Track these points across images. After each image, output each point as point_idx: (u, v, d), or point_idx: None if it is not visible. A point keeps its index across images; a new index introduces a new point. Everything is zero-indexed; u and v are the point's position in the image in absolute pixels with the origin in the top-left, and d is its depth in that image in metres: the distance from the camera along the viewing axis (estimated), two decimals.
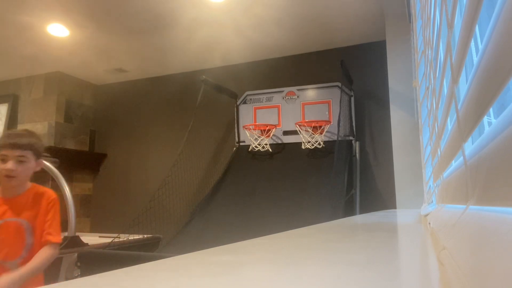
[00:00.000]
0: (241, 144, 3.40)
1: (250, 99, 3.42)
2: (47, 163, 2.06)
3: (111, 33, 3.02)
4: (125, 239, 2.68)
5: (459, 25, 0.38)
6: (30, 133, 1.52)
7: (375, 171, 2.97)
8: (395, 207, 2.29)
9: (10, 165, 1.41)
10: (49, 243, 1.49)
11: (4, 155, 1.42)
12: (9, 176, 1.42)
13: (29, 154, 1.46)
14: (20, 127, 3.94)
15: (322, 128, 3.04)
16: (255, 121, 3.34)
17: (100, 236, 3.11)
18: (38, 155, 1.52)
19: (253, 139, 3.26)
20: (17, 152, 1.43)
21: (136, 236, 2.77)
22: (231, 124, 3.50)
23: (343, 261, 0.40)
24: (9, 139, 1.43)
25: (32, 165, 1.49)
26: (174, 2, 2.54)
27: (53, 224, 1.52)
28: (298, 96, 3.26)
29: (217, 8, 2.62)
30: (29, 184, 1.55)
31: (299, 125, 3.12)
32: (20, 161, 1.44)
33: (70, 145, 3.90)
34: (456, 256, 0.31)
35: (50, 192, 1.58)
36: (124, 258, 1.98)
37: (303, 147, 3.09)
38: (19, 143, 1.44)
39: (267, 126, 3.24)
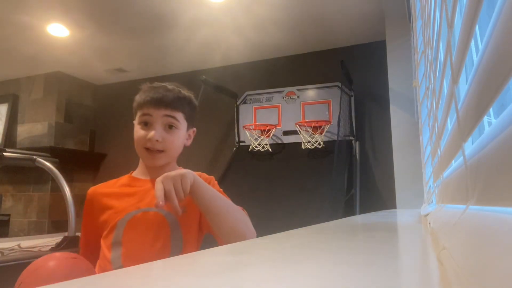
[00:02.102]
0: (241, 144, 3.40)
1: (250, 99, 3.42)
2: (47, 163, 2.05)
3: (111, 33, 3.02)
4: None
5: (459, 25, 0.38)
6: (180, 88, 1.06)
7: (375, 171, 2.97)
8: (395, 207, 2.29)
9: (156, 131, 0.96)
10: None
11: (148, 115, 0.98)
12: (154, 149, 0.98)
13: (181, 118, 1.02)
14: (20, 127, 3.95)
15: (322, 128, 3.04)
16: (255, 121, 3.34)
17: None
18: (191, 122, 1.07)
19: (253, 139, 3.26)
20: (166, 111, 0.99)
21: None
22: (231, 124, 3.50)
23: (343, 261, 0.39)
24: (153, 93, 0.99)
25: (183, 134, 1.05)
26: (174, 2, 2.54)
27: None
28: (298, 96, 3.26)
29: (217, 8, 2.62)
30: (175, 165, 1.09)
31: (299, 125, 3.12)
32: (170, 125, 1.00)
33: (70, 145, 3.90)
34: (456, 256, 0.31)
35: (204, 174, 1.10)
36: None
37: (303, 147, 3.09)
38: (167, 99, 0.99)
39: (267, 126, 3.24)
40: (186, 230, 1.01)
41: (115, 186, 1.06)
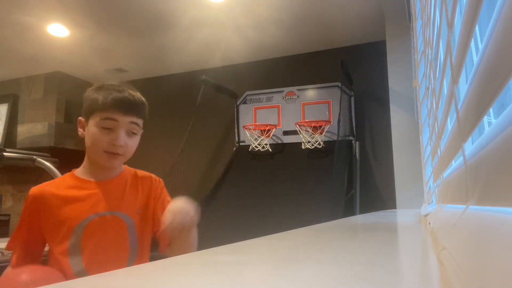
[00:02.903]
0: (241, 144, 3.40)
1: (250, 99, 3.42)
2: (47, 163, 2.05)
3: (111, 33, 3.02)
4: None
5: (459, 25, 0.38)
6: (136, 91, 1.04)
7: (375, 171, 2.97)
8: (395, 207, 2.29)
9: (121, 137, 0.95)
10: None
11: (113, 120, 0.95)
12: (115, 153, 0.97)
13: (141, 124, 1.02)
14: (20, 127, 3.94)
15: (322, 128, 3.04)
16: (255, 121, 3.34)
17: None
18: (143, 126, 1.06)
19: (253, 139, 3.26)
20: (131, 119, 0.97)
21: None
22: (231, 124, 3.50)
23: (343, 261, 0.39)
24: (121, 98, 0.95)
25: (138, 139, 1.04)
26: (174, 2, 2.54)
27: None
28: (298, 96, 3.26)
29: (217, 8, 2.62)
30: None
31: (299, 125, 3.12)
32: (131, 132, 0.99)
33: (70, 145, 3.90)
34: (456, 256, 0.30)
35: (153, 176, 1.12)
36: None
37: (303, 147, 3.09)
38: (135, 105, 0.98)
39: (267, 126, 3.24)
40: (141, 233, 1.03)
41: (62, 187, 1.00)
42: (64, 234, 0.95)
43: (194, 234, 0.98)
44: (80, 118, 1.01)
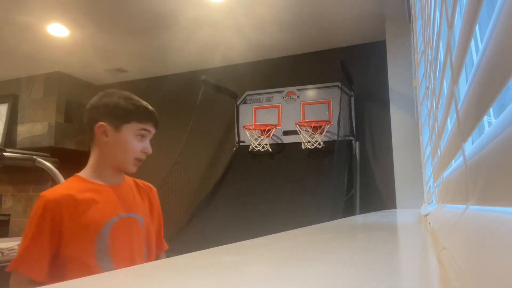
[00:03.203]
0: (241, 144, 3.40)
1: (250, 99, 3.42)
2: (47, 163, 2.05)
3: (111, 33, 3.02)
4: None
5: (459, 25, 0.38)
6: None
7: (375, 171, 2.97)
8: (395, 207, 2.29)
9: (149, 147, 1.09)
10: (164, 250, 1.19)
11: (147, 131, 1.08)
12: (141, 159, 1.08)
13: None
14: (20, 127, 3.94)
15: (322, 128, 3.04)
16: (255, 121, 3.34)
17: None
18: None
19: (253, 139, 3.26)
20: (155, 130, 1.12)
21: None
22: (231, 124, 3.50)
23: (343, 261, 0.39)
24: (151, 113, 1.09)
25: None
26: (174, 2, 2.54)
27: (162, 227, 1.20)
28: (298, 96, 3.26)
29: (217, 8, 2.62)
30: None
31: (299, 125, 3.12)
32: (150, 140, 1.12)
33: (70, 145, 3.90)
34: (456, 256, 0.30)
35: (151, 185, 1.22)
36: None
37: (303, 147, 3.09)
38: (158, 118, 1.13)
39: (267, 126, 3.24)
40: (150, 233, 1.11)
41: (79, 190, 1.00)
42: (90, 237, 0.95)
43: None
44: (102, 123, 1.03)
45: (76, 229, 0.95)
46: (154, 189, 1.21)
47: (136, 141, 1.05)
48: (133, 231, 1.04)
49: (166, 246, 1.20)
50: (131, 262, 1.01)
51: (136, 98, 1.08)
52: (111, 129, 1.03)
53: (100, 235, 0.96)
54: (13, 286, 0.91)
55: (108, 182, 1.06)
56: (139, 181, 1.18)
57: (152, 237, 1.11)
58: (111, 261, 0.97)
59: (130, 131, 1.04)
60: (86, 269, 0.93)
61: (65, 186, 1.04)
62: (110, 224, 0.99)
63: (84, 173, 1.06)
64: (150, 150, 1.08)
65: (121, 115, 1.03)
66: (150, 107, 1.10)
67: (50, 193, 0.98)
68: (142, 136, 1.06)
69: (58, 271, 0.94)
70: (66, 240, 0.94)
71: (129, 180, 1.15)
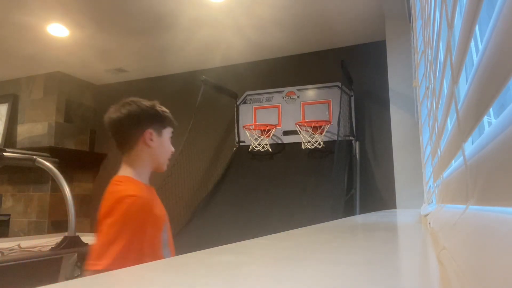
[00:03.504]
0: (241, 144, 3.40)
1: (250, 99, 3.42)
2: (47, 163, 2.05)
3: (111, 33, 3.02)
4: None
5: (459, 25, 0.38)
6: None
7: (375, 171, 2.97)
8: (395, 207, 2.29)
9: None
10: None
11: (172, 133, 1.24)
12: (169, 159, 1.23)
13: None
14: (20, 127, 3.94)
15: (322, 128, 3.04)
16: (255, 121, 3.34)
17: None
18: None
19: (253, 139, 3.26)
20: None
21: None
22: (231, 124, 3.50)
23: (343, 261, 0.39)
24: (172, 118, 1.24)
25: None
26: (174, 2, 2.54)
27: None
28: (298, 96, 3.26)
29: (217, 8, 2.62)
30: None
31: (299, 125, 3.12)
32: None
33: (70, 145, 3.90)
34: (456, 256, 0.31)
35: None
36: None
37: (303, 147, 3.09)
38: None
39: (267, 126, 3.24)
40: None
41: (143, 191, 1.11)
42: (157, 234, 1.08)
43: None
44: (150, 130, 1.16)
45: (153, 224, 1.07)
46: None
47: (170, 143, 1.21)
48: (170, 227, 1.20)
49: None
50: (174, 253, 1.15)
51: (158, 105, 1.21)
52: (156, 134, 1.17)
53: (164, 228, 1.10)
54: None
55: (148, 182, 1.18)
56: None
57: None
58: (169, 252, 1.11)
59: (167, 134, 1.20)
60: (153, 258, 1.02)
61: (133, 187, 1.10)
62: (167, 219, 1.15)
63: (130, 173, 1.14)
64: (174, 151, 1.23)
65: (161, 121, 1.19)
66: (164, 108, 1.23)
67: (137, 196, 1.05)
68: (170, 138, 1.21)
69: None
70: (147, 235, 1.03)
71: None
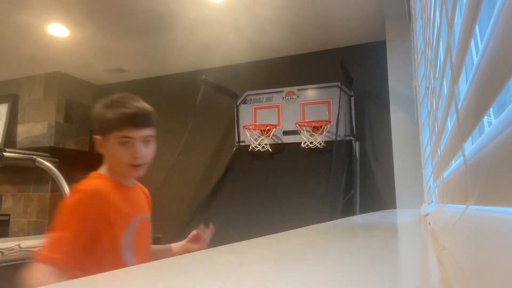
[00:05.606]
0: (241, 144, 3.40)
1: (250, 99, 3.42)
2: (47, 163, 2.05)
3: (111, 33, 3.02)
4: None
5: (459, 25, 0.38)
6: (141, 100, 1.09)
7: (375, 171, 2.97)
8: (395, 207, 2.29)
9: (139, 151, 1.02)
10: None
11: (128, 137, 1.01)
12: (137, 165, 1.04)
13: (154, 132, 1.09)
14: (20, 127, 3.94)
15: (322, 128, 3.04)
16: (255, 121, 3.33)
17: None
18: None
19: (253, 139, 3.26)
20: (144, 132, 1.04)
21: None
22: (231, 124, 3.50)
23: (343, 261, 0.40)
24: (131, 114, 1.01)
25: (154, 144, 1.10)
26: (174, 2, 2.54)
27: None
28: (298, 96, 3.26)
29: (217, 8, 2.62)
30: None
31: (299, 125, 3.12)
32: (146, 141, 1.06)
33: (70, 145, 3.90)
34: (456, 256, 0.30)
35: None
36: None
37: (303, 146, 3.09)
38: (145, 119, 1.05)
39: (267, 126, 3.24)
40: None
41: (110, 187, 1.03)
42: (117, 234, 0.99)
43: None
44: (96, 137, 1.05)
45: (107, 224, 0.98)
46: (149, 196, 1.23)
47: (121, 150, 1.01)
48: (147, 232, 1.11)
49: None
50: (146, 259, 1.07)
51: (116, 103, 1.03)
52: (102, 141, 1.04)
53: (127, 231, 1.01)
54: (41, 279, 0.87)
55: (125, 183, 1.09)
56: (139, 184, 1.20)
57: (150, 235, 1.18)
58: (134, 256, 1.02)
59: (112, 141, 1.01)
60: (111, 258, 0.97)
61: (97, 182, 1.04)
62: (137, 221, 1.05)
63: (105, 171, 1.08)
64: (139, 155, 1.02)
65: (101, 127, 1.03)
66: (129, 110, 1.02)
67: (93, 187, 1.00)
68: (127, 143, 1.01)
69: (83, 259, 0.94)
70: (102, 229, 0.97)
71: (138, 183, 1.18)
